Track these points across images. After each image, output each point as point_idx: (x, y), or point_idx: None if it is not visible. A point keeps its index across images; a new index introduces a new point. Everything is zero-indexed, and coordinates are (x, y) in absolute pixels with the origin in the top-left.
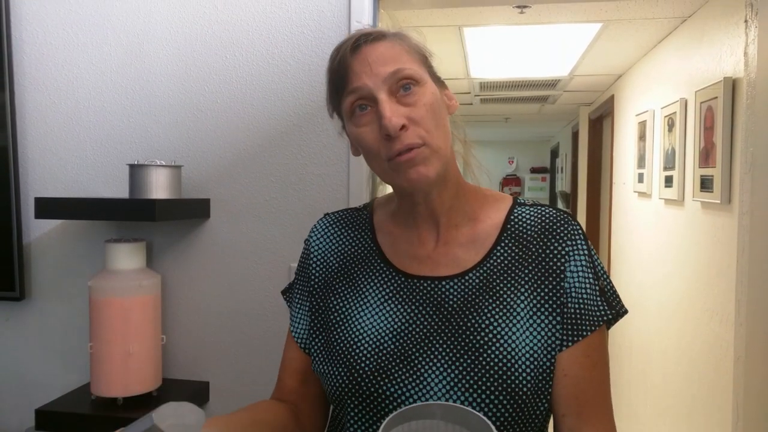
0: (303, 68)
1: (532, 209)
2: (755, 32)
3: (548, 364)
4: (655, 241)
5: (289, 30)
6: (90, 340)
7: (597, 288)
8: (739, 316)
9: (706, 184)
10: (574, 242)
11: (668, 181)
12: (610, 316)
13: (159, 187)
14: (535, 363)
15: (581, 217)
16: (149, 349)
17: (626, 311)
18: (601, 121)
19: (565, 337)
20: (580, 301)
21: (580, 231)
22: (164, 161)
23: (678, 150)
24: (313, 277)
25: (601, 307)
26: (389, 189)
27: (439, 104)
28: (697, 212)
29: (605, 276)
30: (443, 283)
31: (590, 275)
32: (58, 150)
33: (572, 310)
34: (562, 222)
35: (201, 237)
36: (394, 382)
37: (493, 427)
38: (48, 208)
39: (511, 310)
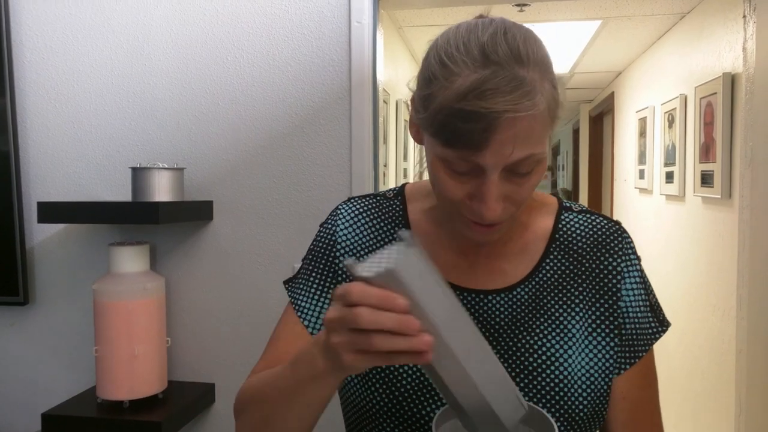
0: (303, 69)
1: (581, 216)
2: (753, 28)
3: (605, 388)
4: (657, 237)
5: (289, 31)
6: (95, 344)
7: (648, 304)
8: (740, 310)
9: (706, 180)
10: (628, 258)
11: (669, 177)
12: (662, 332)
13: (162, 190)
14: (592, 387)
15: None
16: (154, 352)
17: (669, 324)
18: (601, 118)
19: (623, 360)
20: (636, 321)
21: (632, 245)
22: (166, 164)
23: (678, 146)
24: (340, 270)
25: (653, 325)
26: (391, 181)
27: (544, 170)
28: (698, 207)
29: (652, 289)
30: (489, 297)
31: (643, 292)
32: (60, 154)
33: (629, 331)
34: (616, 235)
35: (204, 239)
36: (440, 404)
37: (549, 418)
38: (51, 212)
39: (566, 331)
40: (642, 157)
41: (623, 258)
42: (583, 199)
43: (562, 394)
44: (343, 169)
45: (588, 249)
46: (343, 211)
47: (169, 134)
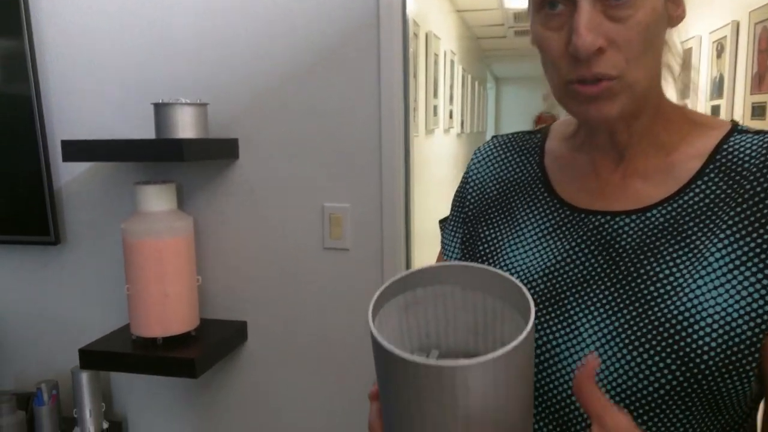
0: None
1: (757, 137)
2: None
3: (749, 335)
4: None
5: None
6: (126, 282)
7: None
8: None
9: (757, 112)
10: None
11: (715, 111)
12: None
13: (186, 127)
14: (727, 328)
15: None
16: (185, 290)
17: None
18: None
19: None
20: None
21: None
22: (189, 100)
23: (727, 77)
24: (467, 206)
25: None
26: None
27: (659, 21)
28: None
29: None
30: (618, 219)
31: None
32: (82, 93)
33: None
34: None
35: (230, 178)
36: (542, 328)
37: (527, 292)
38: (75, 150)
39: (702, 259)
40: (685, 91)
41: None
42: None
43: (681, 327)
44: (372, 102)
45: (755, 170)
46: (479, 150)
47: (191, 69)
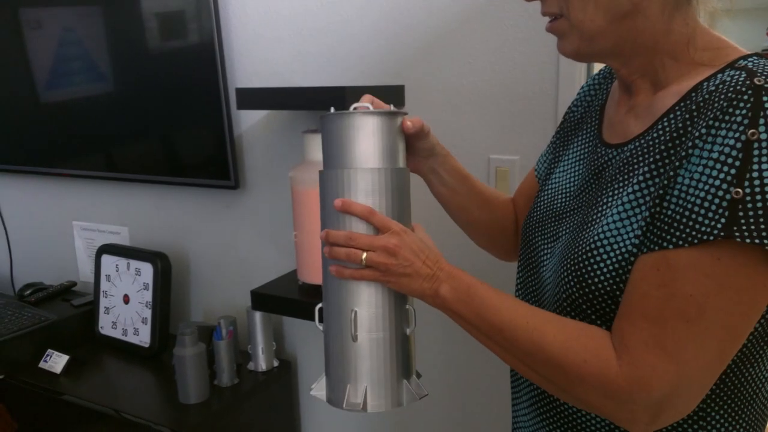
0: None
1: (730, 73)
2: None
3: (632, 266)
4: None
5: None
6: (294, 229)
7: (725, 195)
8: None
9: None
10: (724, 121)
11: None
12: (711, 235)
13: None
14: (618, 258)
15: None
16: None
17: (742, 237)
18: None
19: (646, 239)
20: (687, 200)
21: (745, 108)
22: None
23: None
24: (564, 122)
25: (712, 222)
26: None
27: None
28: None
29: (758, 187)
30: (609, 151)
31: (723, 174)
32: (260, 41)
33: (668, 209)
34: (730, 91)
35: None
36: (540, 234)
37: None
38: (248, 98)
39: (622, 191)
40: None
41: (717, 120)
42: None
43: (588, 252)
44: (549, 47)
45: (693, 108)
46: (591, 77)
47: (359, 14)
